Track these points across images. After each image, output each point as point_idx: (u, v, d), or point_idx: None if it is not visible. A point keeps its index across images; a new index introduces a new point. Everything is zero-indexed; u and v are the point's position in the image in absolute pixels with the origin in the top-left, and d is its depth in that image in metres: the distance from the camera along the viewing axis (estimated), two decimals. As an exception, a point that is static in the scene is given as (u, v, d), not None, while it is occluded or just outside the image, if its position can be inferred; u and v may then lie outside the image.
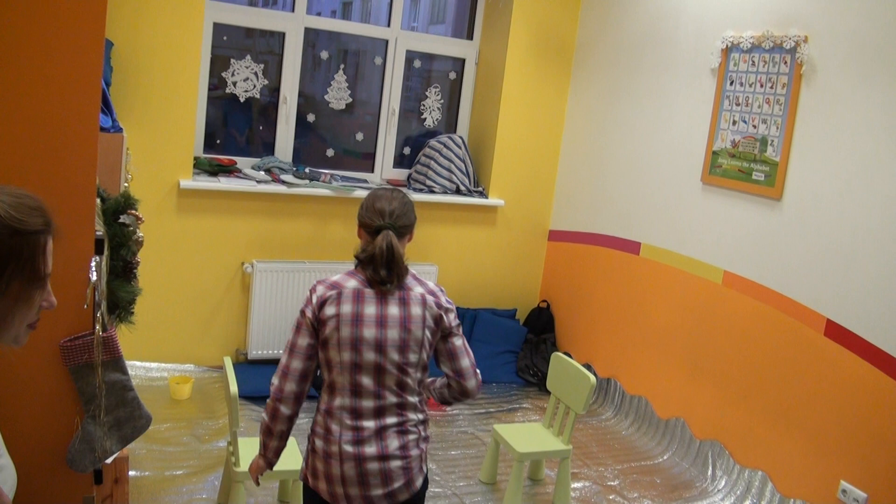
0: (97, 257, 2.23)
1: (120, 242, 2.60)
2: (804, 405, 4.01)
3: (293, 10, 5.29)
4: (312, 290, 2.46)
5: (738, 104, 4.40)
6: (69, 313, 2.20)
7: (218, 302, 5.15)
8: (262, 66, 5.28)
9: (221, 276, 5.12)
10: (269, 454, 2.55)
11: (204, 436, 4.37)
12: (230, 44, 5.23)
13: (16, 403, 1.26)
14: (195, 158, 5.05)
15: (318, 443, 2.46)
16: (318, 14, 5.47)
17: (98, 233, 2.28)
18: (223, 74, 5.21)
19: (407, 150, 5.89)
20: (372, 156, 5.78)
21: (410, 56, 5.72)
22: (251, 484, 3.81)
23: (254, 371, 5.06)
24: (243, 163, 5.30)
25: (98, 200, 2.48)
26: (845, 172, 3.82)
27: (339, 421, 2.42)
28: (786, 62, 4.12)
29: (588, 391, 3.95)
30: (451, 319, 2.52)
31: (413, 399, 2.48)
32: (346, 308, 2.40)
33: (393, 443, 2.43)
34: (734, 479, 4.35)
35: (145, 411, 2.35)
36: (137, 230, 2.69)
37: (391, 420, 2.43)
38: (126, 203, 2.67)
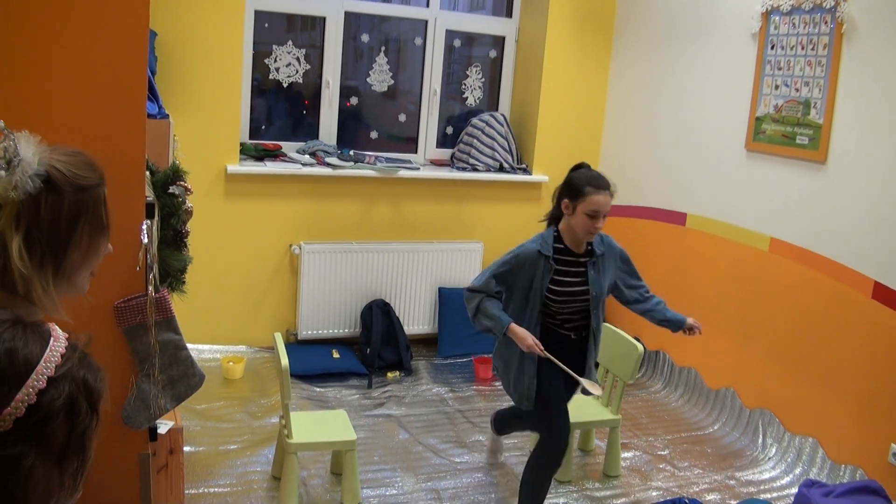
0: (148, 221, 2.30)
1: (170, 212, 2.68)
2: (853, 370, 3.96)
3: (333, -5, 5.35)
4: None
5: (779, 68, 4.35)
6: (122, 276, 2.27)
7: (268, 284, 5.24)
8: (303, 51, 5.35)
9: (270, 258, 5.21)
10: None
11: (257, 413, 4.46)
12: (271, 31, 5.31)
13: (73, 365, 1.34)
14: (241, 144, 5.14)
15: None
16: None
17: (148, 198, 2.35)
18: (266, 61, 5.29)
19: (450, 130, 5.92)
20: (415, 139, 5.82)
21: (450, 41, 5.75)
22: (304, 455, 3.90)
23: (304, 351, 5.13)
24: (288, 147, 5.37)
25: (147, 173, 2.57)
26: (890, 132, 3.76)
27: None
28: (826, 22, 4.06)
29: (636, 359, 3.96)
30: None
31: None
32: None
33: None
34: (784, 446, 4.31)
35: (198, 370, 2.41)
36: (186, 200, 2.77)
37: None
38: (175, 175, 2.75)
